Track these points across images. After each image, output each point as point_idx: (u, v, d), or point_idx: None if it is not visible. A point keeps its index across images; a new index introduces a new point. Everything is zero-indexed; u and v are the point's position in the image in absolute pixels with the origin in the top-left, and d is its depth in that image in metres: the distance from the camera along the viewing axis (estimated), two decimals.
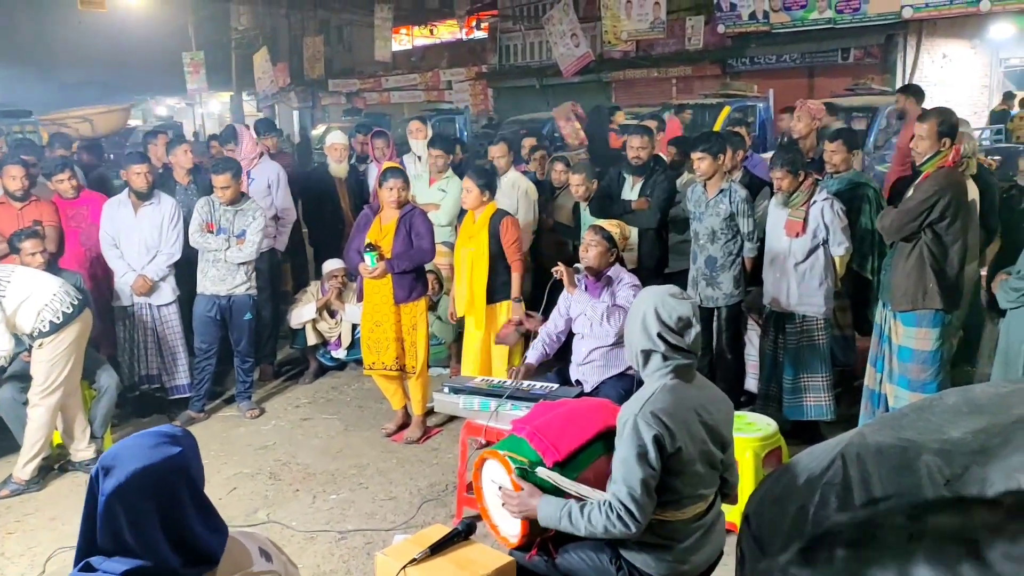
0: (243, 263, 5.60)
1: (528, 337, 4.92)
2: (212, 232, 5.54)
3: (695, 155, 4.96)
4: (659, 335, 2.60)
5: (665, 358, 2.62)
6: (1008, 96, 15.81)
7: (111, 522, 1.64)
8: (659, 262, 5.86)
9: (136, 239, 5.62)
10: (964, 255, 4.30)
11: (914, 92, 6.83)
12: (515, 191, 6.22)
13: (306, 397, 6.23)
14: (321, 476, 4.90)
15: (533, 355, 4.44)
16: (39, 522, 4.47)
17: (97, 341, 5.26)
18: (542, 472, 2.70)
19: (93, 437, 5.03)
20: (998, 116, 14.41)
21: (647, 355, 2.64)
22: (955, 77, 15.65)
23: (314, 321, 6.38)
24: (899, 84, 14.92)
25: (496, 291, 5.16)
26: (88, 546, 1.70)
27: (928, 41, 15.33)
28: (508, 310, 5.19)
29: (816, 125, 6.04)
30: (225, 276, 5.58)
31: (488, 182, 5.16)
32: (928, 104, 12.91)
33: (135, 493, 1.65)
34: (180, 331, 5.84)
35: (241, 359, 5.83)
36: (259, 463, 5.11)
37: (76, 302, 4.77)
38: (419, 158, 6.85)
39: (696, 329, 2.65)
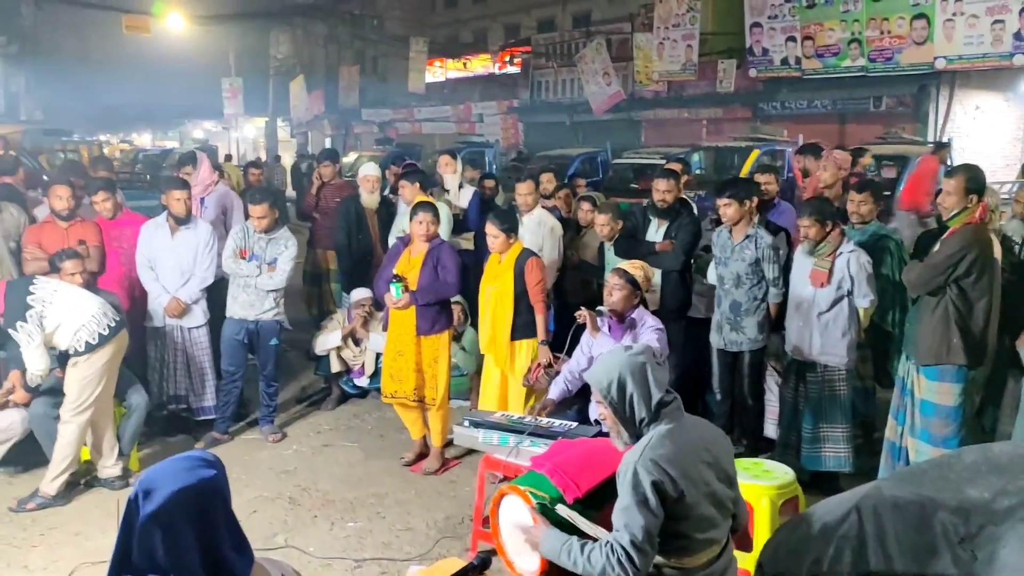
0: (272, 290, 5.73)
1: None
2: (245, 259, 5.70)
3: (721, 201, 5.01)
4: (659, 402, 2.68)
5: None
6: None
7: (147, 541, 1.71)
8: (682, 304, 5.89)
9: (171, 262, 5.76)
10: (989, 311, 4.31)
11: (812, 151, 7.07)
12: (541, 228, 6.29)
13: (328, 424, 6.30)
14: (340, 503, 4.95)
15: (555, 391, 4.49)
16: (63, 536, 4.55)
17: (129, 359, 5.37)
18: (561, 510, 2.74)
19: (121, 454, 5.12)
20: None
21: (641, 422, 2.69)
22: (987, 129, 15.63)
23: (339, 349, 6.48)
24: (931, 134, 14.96)
25: (517, 329, 5.17)
26: (121, 564, 1.76)
27: (961, 92, 15.34)
28: (529, 349, 5.20)
29: (842, 175, 6.07)
30: (255, 302, 5.72)
31: (511, 226, 5.17)
32: (960, 155, 12.96)
33: (174, 513, 1.72)
34: (209, 353, 5.96)
35: (267, 383, 5.96)
36: (280, 487, 5.17)
37: (113, 324, 4.87)
38: (447, 192, 6.94)
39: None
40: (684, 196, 6.23)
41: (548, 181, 7.54)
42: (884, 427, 4.95)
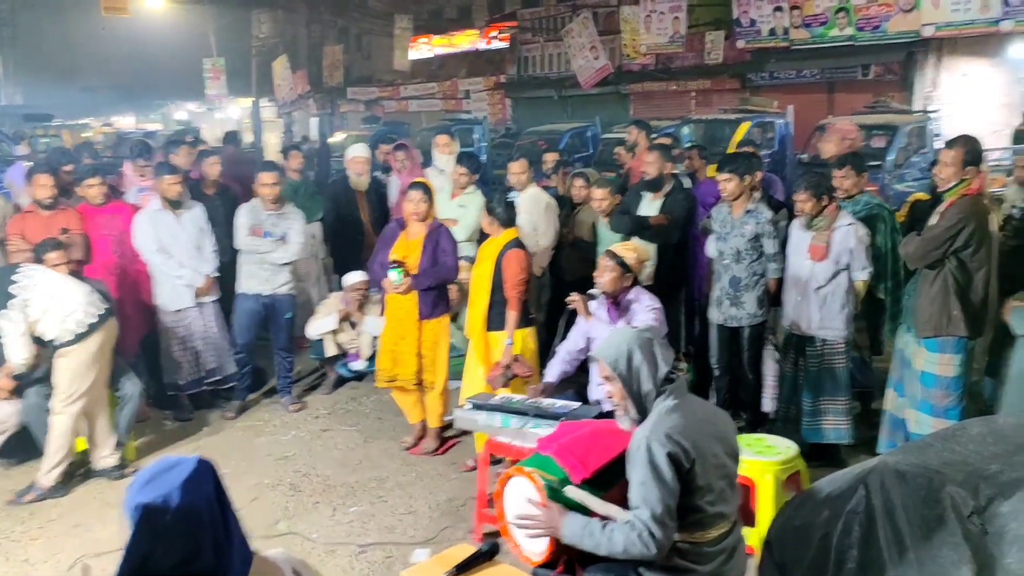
0: (286, 263, 5.93)
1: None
2: (260, 237, 5.84)
3: (721, 176, 4.98)
4: (665, 377, 2.72)
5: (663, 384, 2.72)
6: None
7: (174, 542, 1.69)
8: (678, 278, 5.90)
9: (186, 243, 5.83)
10: (988, 282, 4.31)
11: (643, 126, 7.28)
12: (536, 207, 6.23)
13: (325, 408, 6.27)
14: (341, 488, 4.94)
15: (552, 373, 4.46)
16: (62, 528, 4.52)
17: (121, 348, 5.32)
18: (570, 491, 2.73)
19: (118, 444, 5.08)
20: (1019, 136, 14.34)
21: (648, 395, 2.72)
22: (975, 96, 15.59)
23: (334, 332, 6.43)
24: (918, 102, 14.93)
25: (492, 320, 4.96)
26: (138, 571, 1.72)
27: (949, 59, 15.28)
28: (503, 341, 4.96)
29: (847, 147, 6.01)
30: (271, 277, 5.92)
31: (510, 217, 5.02)
32: (948, 123, 12.90)
33: (199, 508, 1.70)
34: (225, 325, 6.11)
35: (283, 355, 6.18)
36: (279, 474, 5.15)
37: (102, 312, 4.82)
38: (442, 171, 6.88)
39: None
40: (674, 172, 6.19)
41: (551, 160, 7.48)
42: (881, 397, 4.97)
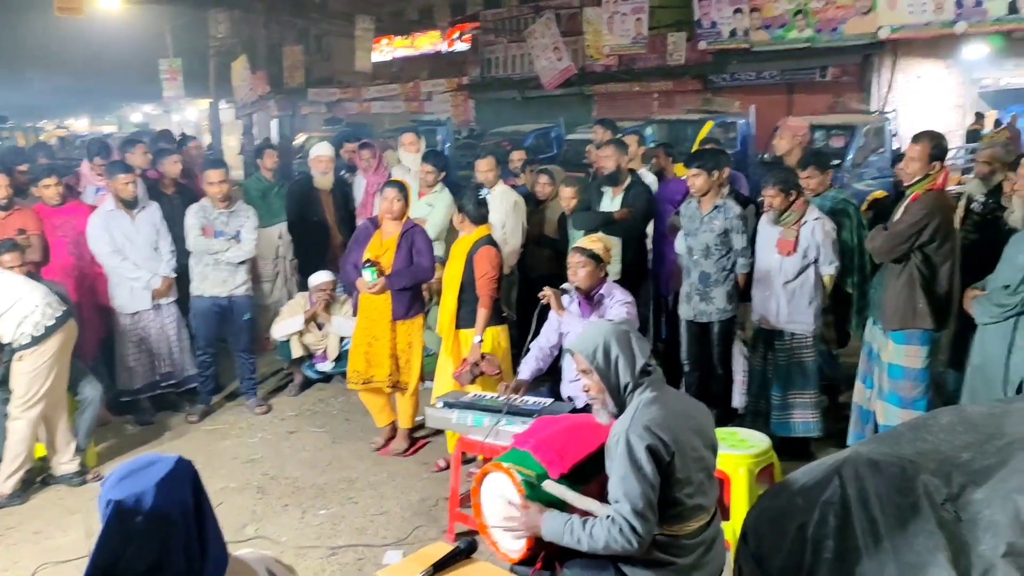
0: (242, 262, 5.81)
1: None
2: (211, 236, 5.71)
3: (690, 172, 4.99)
4: (642, 369, 2.70)
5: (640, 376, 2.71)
6: (980, 116, 16.12)
7: (147, 543, 1.64)
8: (642, 274, 5.96)
9: (142, 244, 5.69)
10: (952, 275, 4.37)
11: (608, 124, 7.36)
12: (504, 204, 6.21)
13: (292, 410, 6.18)
14: (310, 490, 4.86)
15: (526, 370, 4.42)
16: (22, 536, 4.39)
17: (80, 351, 5.19)
18: (548, 485, 2.71)
19: (78, 449, 4.95)
20: (972, 135, 14.68)
21: (626, 387, 2.71)
22: (929, 96, 15.91)
23: (300, 334, 6.34)
24: (875, 103, 15.18)
25: (462, 318, 4.94)
26: (106, 571, 1.67)
27: (904, 61, 15.57)
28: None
29: (799, 142, 6.09)
30: (227, 278, 5.80)
31: (481, 214, 4.97)
32: (902, 124, 13.12)
33: (172, 508, 1.66)
34: (184, 325, 5.99)
35: (244, 357, 6.06)
36: (246, 477, 5.05)
37: (60, 313, 4.70)
38: (409, 170, 6.83)
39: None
40: (632, 167, 6.22)
41: (518, 159, 7.46)
42: (848, 391, 5.02)
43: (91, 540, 1.69)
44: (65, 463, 4.91)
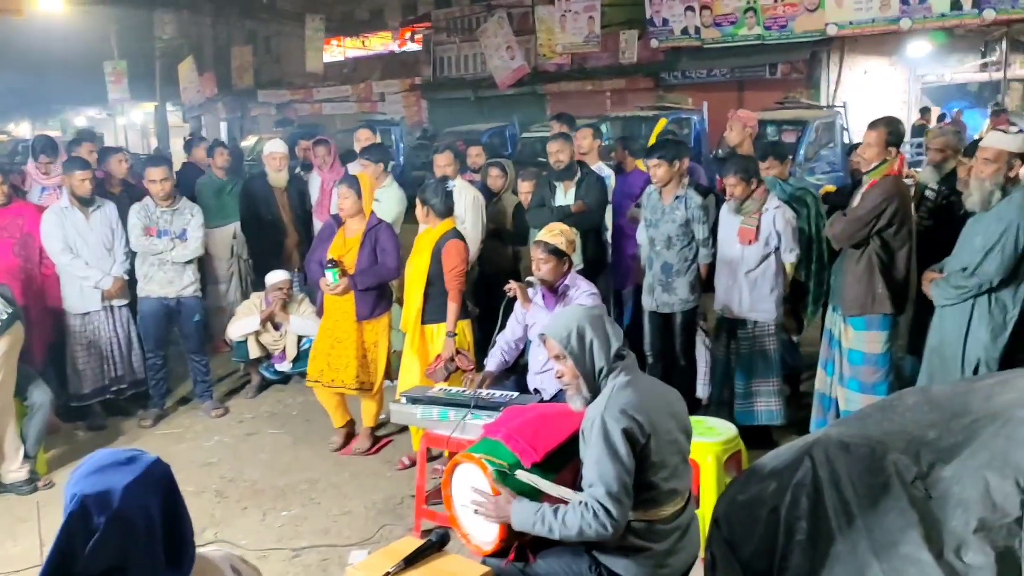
0: (189, 261, 5.66)
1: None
2: (154, 236, 5.54)
3: (651, 162, 4.98)
4: (616, 353, 2.67)
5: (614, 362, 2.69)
6: (925, 111, 16.50)
7: (108, 544, 1.57)
8: (600, 266, 5.96)
9: (95, 243, 5.52)
10: (909, 259, 4.43)
11: (565, 119, 7.43)
12: (462, 199, 6.14)
13: (249, 412, 6.04)
14: (270, 492, 4.74)
15: (492, 363, 4.37)
16: None
17: (29, 355, 5.00)
18: (521, 474, 2.66)
19: (27, 456, 4.77)
20: (917, 130, 15.01)
21: (600, 372, 2.68)
22: (875, 92, 16.25)
23: (257, 334, 6.20)
24: (824, 98, 15.45)
25: (428, 313, 4.83)
26: (59, 571, 1.58)
27: (850, 57, 15.90)
28: (443, 334, 4.84)
29: (749, 133, 6.13)
30: (173, 279, 5.65)
31: (447, 207, 4.87)
32: (852, 119, 13.34)
33: (137, 508, 1.59)
34: (136, 329, 5.80)
35: (196, 360, 5.91)
36: (204, 480, 4.92)
37: (4, 316, 4.53)
38: (365, 166, 6.71)
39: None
40: (580, 160, 6.20)
41: (476, 155, 7.39)
42: (809, 378, 5.06)
43: (46, 548, 1.59)
44: (14, 471, 4.72)
